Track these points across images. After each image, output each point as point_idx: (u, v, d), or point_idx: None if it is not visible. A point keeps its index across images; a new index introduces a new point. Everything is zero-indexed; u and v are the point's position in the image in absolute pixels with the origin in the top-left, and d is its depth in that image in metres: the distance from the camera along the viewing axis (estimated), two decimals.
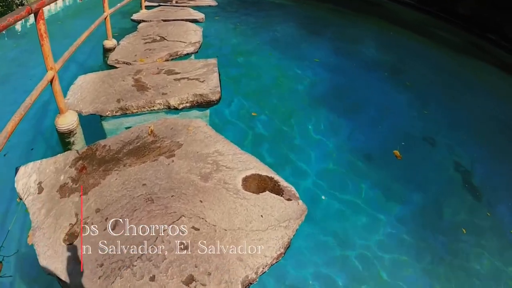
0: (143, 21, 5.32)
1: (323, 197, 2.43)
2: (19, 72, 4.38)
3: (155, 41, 4.28)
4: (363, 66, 4.95)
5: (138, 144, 2.37)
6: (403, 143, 3.13)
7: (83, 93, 2.97)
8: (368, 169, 2.78)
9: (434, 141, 3.30)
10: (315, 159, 2.82)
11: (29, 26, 6.51)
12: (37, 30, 2.20)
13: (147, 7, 6.35)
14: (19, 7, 6.79)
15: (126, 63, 3.63)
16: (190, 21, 5.34)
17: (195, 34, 4.53)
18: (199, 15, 5.60)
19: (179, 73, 3.28)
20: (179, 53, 3.91)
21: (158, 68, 3.37)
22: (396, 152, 2.97)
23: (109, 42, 4.28)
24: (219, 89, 3.01)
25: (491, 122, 3.89)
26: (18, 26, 6.52)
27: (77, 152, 2.27)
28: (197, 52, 4.09)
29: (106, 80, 3.18)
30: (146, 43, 4.21)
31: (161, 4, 6.68)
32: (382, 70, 4.88)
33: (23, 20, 7.25)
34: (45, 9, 8.16)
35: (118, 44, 4.28)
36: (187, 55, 4.00)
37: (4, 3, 7.02)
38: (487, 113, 4.08)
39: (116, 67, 3.64)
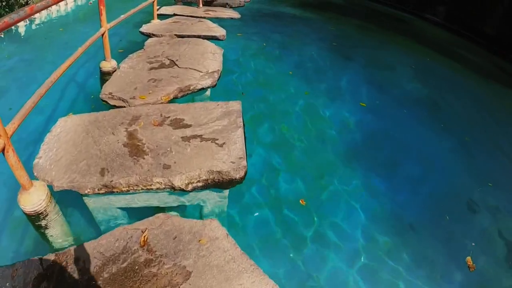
0: (153, 35, 4.46)
1: None
2: (13, 88, 3.59)
3: (163, 66, 3.40)
4: (399, 102, 4.09)
5: (125, 265, 1.49)
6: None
7: (59, 150, 2.10)
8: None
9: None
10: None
11: (34, 29, 5.76)
12: None
13: (161, 16, 5.51)
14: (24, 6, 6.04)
15: (122, 100, 2.75)
16: (208, 38, 4.46)
17: (213, 59, 3.63)
18: (220, 31, 4.72)
19: (189, 125, 2.38)
20: (192, 87, 3.02)
21: (161, 115, 2.48)
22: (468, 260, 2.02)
23: (107, 64, 3.42)
24: (244, 162, 2.09)
25: None
26: (21, 29, 5.77)
27: (40, 262, 1.41)
28: (215, 85, 3.19)
29: (92, 130, 2.30)
30: (151, 69, 3.33)
31: (177, 14, 5.83)
32: (420, 107, 4.06)
33: (27, 21, 6.53)
34: (48, 12, 7.47)
35: (118, 66, 3.42)
36: (202, 90, 3.11)
37: (5, 3, 6.26)
38: None
39: (108, 103, 2.77)
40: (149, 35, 4.52)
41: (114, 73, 3.27)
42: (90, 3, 8.05)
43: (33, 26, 5.89)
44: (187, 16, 5.75)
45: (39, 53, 4.48)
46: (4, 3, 6.14)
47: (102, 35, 3.26)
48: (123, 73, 3.23)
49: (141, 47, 4.06)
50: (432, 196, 2.73)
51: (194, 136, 2.28)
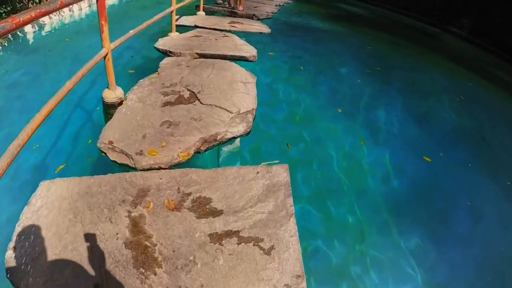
0: (170, 53, 3.74)
1: None
2: (15, 108, 2.96)
3: (182, 100, 2.65)
4: (443, 140, 3.35)
5: None
6: None
7: (38, 242, 1.43)
8: None
9: None
10: None
11: (43, 36, 5.14)
12: None
13: (180, 28, 4.81)
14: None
15: (126, 155, 2.00)
16: (236, 59, 3.72)
17: (245, 92, 2.87)
18: (250, 51, 3.94)
19: (219, 212, 1.60)
20: (219, 137, 2.24)
21: (179, 190, 1.71)
22: None
23: (111, 94, 2.66)
24: (304, 284, 1.32)
25: None
26: (30, 35, 5.17)
27: None
28: (248, 132, 2.41)
29: (82, 210, 1.57)
30: (166, 104, 2.58)
31: (198, 26, 5.11)
32: (466, 146, 3.32)
33: (35, 28, 5.95)
34: (60, 18, 6.91)
35: (124, 97, 2.69)
36: (232, 140, 2.34)
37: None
38: None
39: (108, 157, 2.03)
40: (165, 53, 3.80)
41: (119, 108, 2.53)
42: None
43: (41, 33, 5.28)
44: (210, 28, 5.02)
45: (37, 69, 3.82)
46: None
47: (104, 57, 2.51)
48: (129, 109, 2.49)
49: (156, 68, 3.34)
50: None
51: (228, 234, 1.50)
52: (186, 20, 5.37)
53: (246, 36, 4.96)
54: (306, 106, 3.46)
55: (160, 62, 3.45)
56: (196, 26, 5.11)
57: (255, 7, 7.67)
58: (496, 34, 7.82)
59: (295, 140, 2.83)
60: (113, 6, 7.92)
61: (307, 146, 2.81)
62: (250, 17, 6.38)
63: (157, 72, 3.22)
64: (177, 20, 5.14)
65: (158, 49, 3.90)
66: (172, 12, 4.33)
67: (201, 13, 6.15)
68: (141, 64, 4.06)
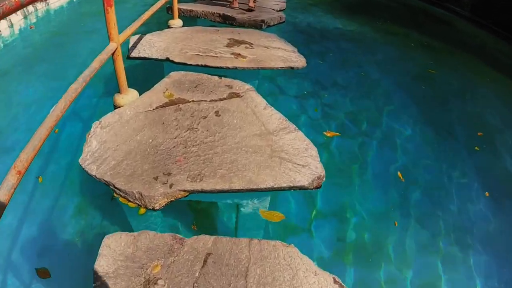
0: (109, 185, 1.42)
1: None
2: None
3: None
4: None
5: None
6: None
7: None
8: None
9: None
10: None
11: None
12: None
13: (138, 66, 2.41)
14: None
15: None
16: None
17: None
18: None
19: None
20: None
21: None
22: None
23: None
24: None
25: None
26: None
27: None
28: None
29: None
30: None
31: (173, 60, 2.68)
32: None
33: None
34: None
35: None
36: None
37: None
38: None
39: None
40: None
41: None
42: (32, 27, 4.85)
43: None
44: (197, 65, 2.62)
45: None
46: None
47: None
48: None
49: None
50: None
51: None
52: (148, 45, 2.91)
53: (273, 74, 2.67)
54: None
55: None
56: (168, 60, 2.70)
57: (255, 0, 5.19)
58: None
59: None
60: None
61: None
62: (257, 25, 3.95)
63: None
64: (133, 45, 2.77)
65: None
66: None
67: (176, 22, 3.67)
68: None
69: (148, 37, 3.11)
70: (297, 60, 2.91)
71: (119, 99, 2.05)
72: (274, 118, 1.95)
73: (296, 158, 1.71)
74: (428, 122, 3.36)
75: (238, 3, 4.36)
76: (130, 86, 2.12)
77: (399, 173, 2.59)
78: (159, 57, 2.74)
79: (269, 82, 3.54)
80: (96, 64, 1.70)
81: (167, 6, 4.05)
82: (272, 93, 3.51)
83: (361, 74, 3.96)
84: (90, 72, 1.63)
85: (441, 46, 5.41)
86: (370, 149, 2.87)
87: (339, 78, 3.83)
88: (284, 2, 5.47)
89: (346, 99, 3.48)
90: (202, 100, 2.05)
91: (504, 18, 6.26)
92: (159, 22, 4.14)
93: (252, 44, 3.20)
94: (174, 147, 1.70)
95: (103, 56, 1.76)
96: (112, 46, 1.87)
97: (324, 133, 2.79)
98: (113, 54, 1.91)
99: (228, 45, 3.10)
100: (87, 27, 4.73)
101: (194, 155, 1.65)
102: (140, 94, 2.21)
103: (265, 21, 3.96)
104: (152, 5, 2.91)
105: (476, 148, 3.03)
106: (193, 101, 2.04)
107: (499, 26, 6.36)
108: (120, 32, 1.97)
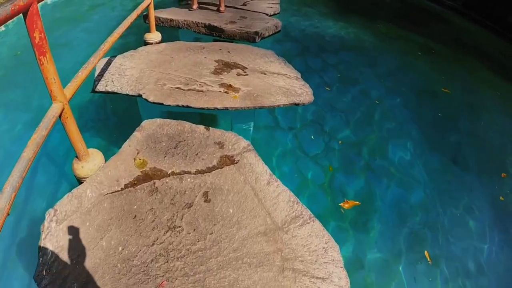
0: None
1: None
2: None
3: None
4: None
5: None
6: None
7: None
8: None
9: None
10: None
11: None
12: None
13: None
14: None
15: None
16: None
17: None
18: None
19: None
20: None
21: None
22: None
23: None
24: None
25: None
26: None
27: None
28: None
29: None
30: None
31: (146, 98, 2.13)
32: None
33: None
34: None
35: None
36: None
37: None
38: None
39: None
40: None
41: None
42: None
43: None
44: (179, 113, 2.10)
45: None
46: None
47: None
48: None
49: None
50: None
51: None
52: (118, 74, 2.34)
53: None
54: None
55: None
56: (141, 97, 2.14)
57: (246, 3, 4.60)
58: None
59: None
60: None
61: None
62: (250, 38, 3.38)
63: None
64: (100, 73, 2.21)
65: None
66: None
67: (153, 36, 3.08)
68: None
69: (118, 60, 2.54)
70: (302, 92, 2.40)
71: (79, 168, 1.53)
72: (281, 199, 1.46)
73: (314, 268, 1.24)
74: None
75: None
76: (94, 129, 1.61)
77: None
78: (130, 93, 2.19)
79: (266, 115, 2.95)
80: (37, 137, 1.17)
81: (144, 14, 3.44)
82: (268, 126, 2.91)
83: (370, 99, 3.42)
84: (29, 153, 1.10)
85: (447, 55, 4.92)
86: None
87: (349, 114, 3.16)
88: (277, 4, 4.90)
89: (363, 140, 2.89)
90: (185, 172, 1.53)
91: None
92: (137, 33, 3.51)
93: (246, 68, 2.66)
94: (152, 260, 1.20)
95: (42, 131, 1.21)
96: (56, 108, 1.33)
97: (340, 204, 2.22)
98: (60, 116, 1.38)
99: (215, 71, 2.55)
100: (61, 39, 3.94)
101: (180, 275, 1.16)
102: (105, 153, 1.68)
103: (259, 33, 3.41)
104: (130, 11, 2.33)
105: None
106: (172, 173, 1.52)
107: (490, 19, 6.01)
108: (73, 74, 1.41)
